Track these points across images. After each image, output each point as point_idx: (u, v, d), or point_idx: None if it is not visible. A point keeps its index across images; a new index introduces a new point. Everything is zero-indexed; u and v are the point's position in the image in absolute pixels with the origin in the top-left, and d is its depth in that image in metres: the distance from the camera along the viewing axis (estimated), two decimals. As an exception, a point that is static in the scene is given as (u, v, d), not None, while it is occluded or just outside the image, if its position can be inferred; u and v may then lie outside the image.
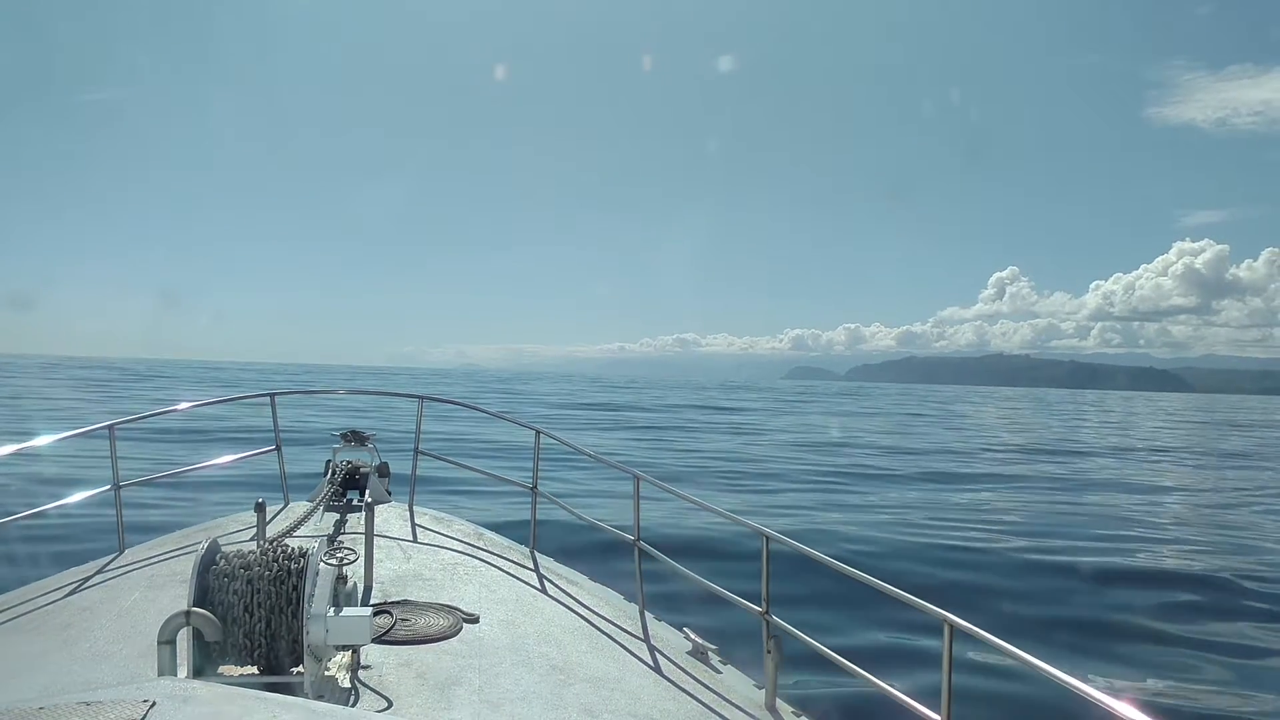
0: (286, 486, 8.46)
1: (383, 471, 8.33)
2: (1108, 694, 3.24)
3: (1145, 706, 3.23)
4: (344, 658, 4.75)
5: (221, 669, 4.01)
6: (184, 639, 3.80)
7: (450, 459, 9.35)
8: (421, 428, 8.64)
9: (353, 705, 4.38)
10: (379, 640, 5.08)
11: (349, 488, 7.86)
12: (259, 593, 4.00)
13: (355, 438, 8.27)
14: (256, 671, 4.01)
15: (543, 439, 8.14)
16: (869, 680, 4.60)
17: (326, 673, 4.46)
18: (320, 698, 4.03)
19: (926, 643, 9.21)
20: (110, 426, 7.48)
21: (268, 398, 8.81)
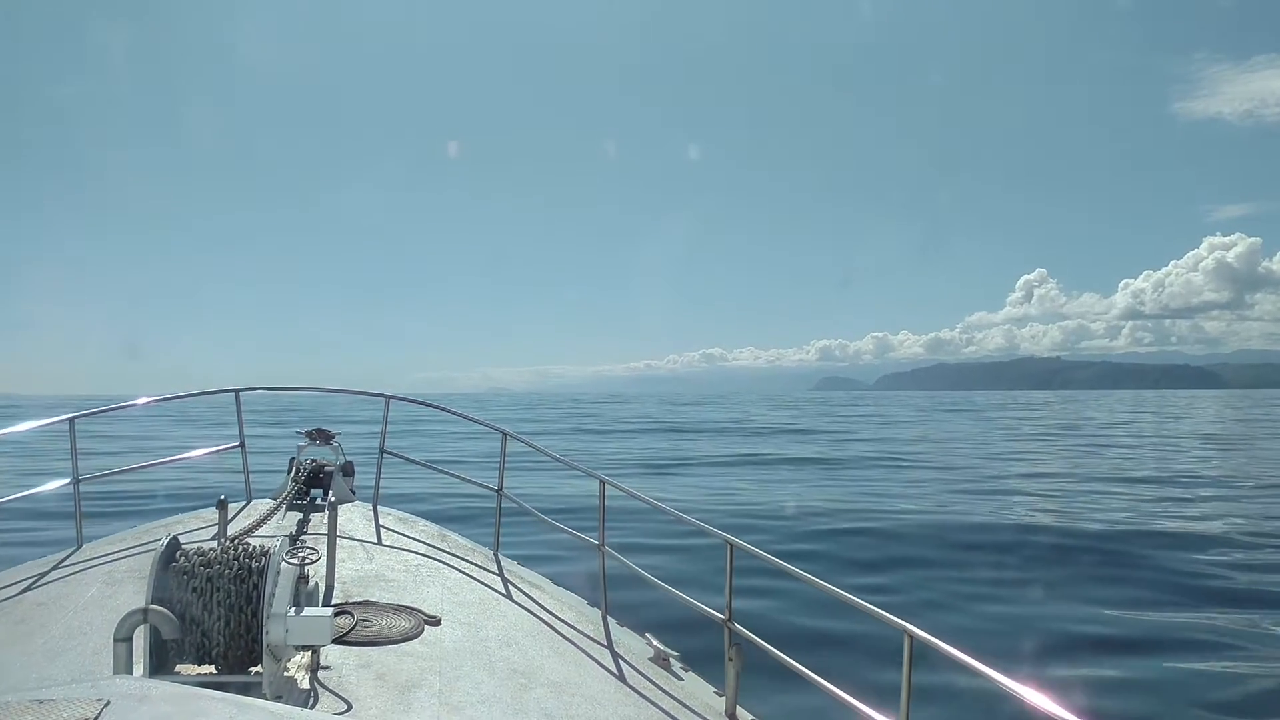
0: (250, 484, 8.38)
1: (347, 471, 8.28)
2: (1065, 706, 3.29)
3: (1101, 718, 3.28)
4: (304, 658, 4.71)
5: (179, 668, 3.97)
6: (141, 637, 3.76)
7: (416, 459, 9.31)
8: (387, 428, 8.60)
9: (312, 706, 4.35)
10: (339, 641, 5.05)
11: (313, 486, 7.80)
12: (219, 591, 3.96)
13: (320, 436, 8.21)
14: (214, 671, 3.97)
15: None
16: (829, 689, 4.64)
17: (285, 673, 4.42)
18: (279, 698, 3.99)
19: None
20: (70, 419, 7.38)
21: (232, 393, 8.73)
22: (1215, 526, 18.15)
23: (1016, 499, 22.45)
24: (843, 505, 20.18)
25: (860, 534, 16.69)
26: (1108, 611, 11.93)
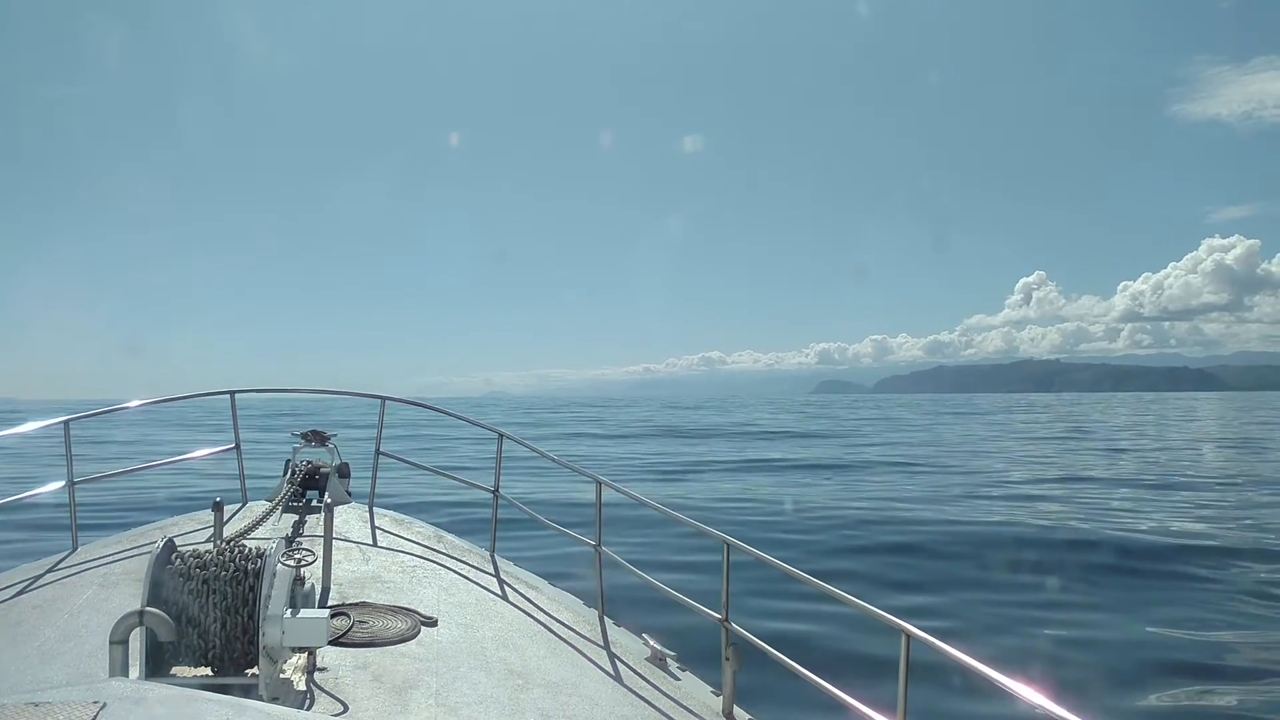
0: (245, 486, 8.36)
1: (343, 472, 8.26)
2: (1064, 707, 3.29)
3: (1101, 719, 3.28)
4: (300, 660, 4.71)
5: (175, 670, 3.97)
6: (137, 639, 3.75)
7: (412, 460, 9.29)
8: (384, 430, 8.59)
9: (308, 708, 4.35)
10: (335, 642, 5.04)
11: (309, 488, 7.79)
12: (214, 593, 3.96)
13: (316, 437, 8.19)
14: (210, 673, 3.97)
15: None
16: (826, 689, 4.64)
17: (282, 675, 4.42)
18: (275, 700, 3.99)
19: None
20: (66, 422, 7.36)
21: (227, 395, 8.71)
22: (1266, 539, 17.49)
23: (1051, 506, 21.88)
24: (871, 515, 19.41)
25: (898, 550, 15.89)
26: (1172, 632, 11.43)
